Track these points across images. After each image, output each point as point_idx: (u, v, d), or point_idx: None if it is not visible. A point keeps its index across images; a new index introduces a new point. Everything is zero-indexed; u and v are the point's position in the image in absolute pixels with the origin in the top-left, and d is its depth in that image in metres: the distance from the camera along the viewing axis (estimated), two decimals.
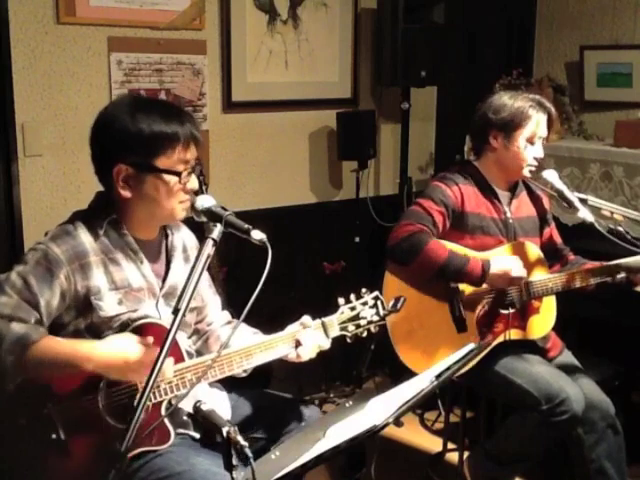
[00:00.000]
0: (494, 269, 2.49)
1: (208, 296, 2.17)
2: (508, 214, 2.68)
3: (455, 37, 3.93)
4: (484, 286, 2.55)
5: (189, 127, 1.86)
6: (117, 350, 1.74)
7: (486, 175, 2.68)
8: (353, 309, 2.07)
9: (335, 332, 2.04)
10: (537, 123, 2.58)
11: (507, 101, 2.62)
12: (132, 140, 1.82)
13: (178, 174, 1.85)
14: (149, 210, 1.90)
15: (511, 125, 2.59)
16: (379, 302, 2.10)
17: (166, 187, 1.85)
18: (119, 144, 1.83)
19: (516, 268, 2.51)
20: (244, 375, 2.02)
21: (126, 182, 1.85)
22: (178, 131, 1.84)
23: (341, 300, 2.07)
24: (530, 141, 2.59)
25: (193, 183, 1.88)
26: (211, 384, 2.02)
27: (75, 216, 1.92)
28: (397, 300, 2.12)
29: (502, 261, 2.52)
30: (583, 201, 2.57)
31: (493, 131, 2.63)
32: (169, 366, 1.78)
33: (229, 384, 2.08)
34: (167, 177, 1.84)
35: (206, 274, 2.14)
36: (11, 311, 1.73)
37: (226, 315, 2.21)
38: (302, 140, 3.85)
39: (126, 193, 1.86)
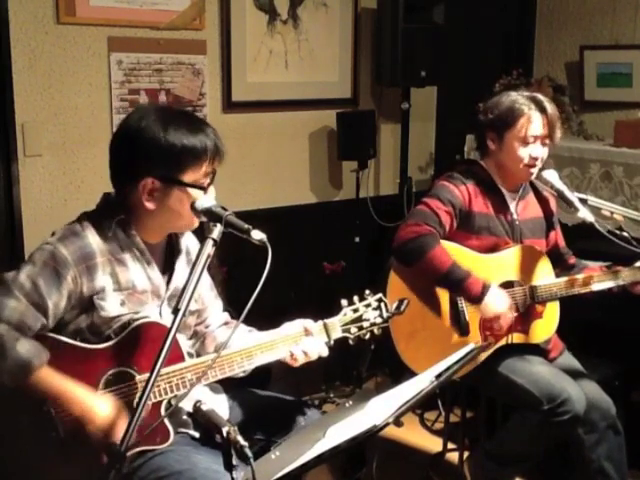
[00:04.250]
0: (490, 296, 2.47)
1: (209, 299, 2.16)
2: (514, 215, 2.66)
3: (455, 37, 3.93)
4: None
5: (215, 140, 1.87)
6: (101, 410, 1.74)
7: (492, 175, 2.66)
8: (356, 311, 2.06)
9: (337, 334, 2.03)
10: (528, 121, 2.51)
11: (498, 101, 2.59)
12: (163, 154, 1.81)
13: (204, 188, 1.85)
14: (169, 220, 1.90)
15: (501, 125, 2.55)
16: (382, 304, 2.09)
17: (190, 200, 1.85)
18: (149, 158, 1.82)
19: (507, 312, 2.50)
20: (243, 375, 2.02)
21: (151, 194, 1.85)
22: (207, 146, 1.84)
23: (344, 301, 2.06)
24: (523, 141, 2.52)
25: (212, 194, 1.88)
26: (210, 384, 2.02)
27: (83, 216, 1.92)
28: (401, 302, 2.11)
29: (498, 296, 2.49)
30: (583, 201, 2.56)
31: (489, 133, 2.61)
32: None
33: (226, 384, 2.08)
34: (193, 191, 1.84)
35: (207, 277, 2.14)
36: (19, 318, 1.73)
37: (225, 316, 2.21)
38: (302, 140, 3.85)
39: (150, 205, 1.85)
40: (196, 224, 1.93)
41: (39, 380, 1.73)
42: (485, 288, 2.47)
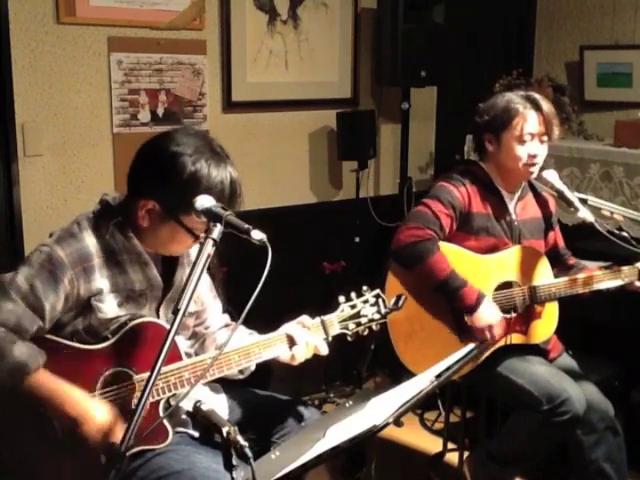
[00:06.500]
0: (483, 308, 2.48)
1: (208, 300, 2.15)
2: (513, 216, 2.66)
3: (455, 37, 3.93)
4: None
5: (235, 205, 1.85)
6: (97, 413, 1.71)
7: (491, 176, 2.66)
8: (354, 307, 2.06)
9: (335, 330, 2.03)
10: (523, 119, 2.52)
11: (493, 102, 2.60)
12: (179, 189, 1.78)
13: (198, 238, 1.82)
14: (156, 243, 1.89)
15: (497, 125, 2.56)
16: (380, 300, 2.09)
17: (181, 238, 1.85)
18: (165, 185, 1.79)
19: (497, 326, 2.50)
20: (241, 377, 2.02)
21: (148, 214, 1.84)
22: (224, 201, 1.80)
23: (342, 298, 2.06)
24: (520, 140, 2.52)
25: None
26: (210, 384, 2.02)
27: (80, 218, 1.91)
28: (398, 298, 2.10)
29: (491, 309, 2.50)
30: (583, 201, 2.56)
31: (486, 135, 2.61)
32: None
33: (226, 384, 2.08)
34: (185, 233, 1.83)
35: (207, 278, 2.14)
36: (15, 321, 1.73)
37: (225, 318, 2.21)
38: (302, 140, 3.85)
39: (144, 223, 1.85)
40: (182, 253, 1.94)
41: (35, 383, 1.71)
42: (480, 298, 2.48)
